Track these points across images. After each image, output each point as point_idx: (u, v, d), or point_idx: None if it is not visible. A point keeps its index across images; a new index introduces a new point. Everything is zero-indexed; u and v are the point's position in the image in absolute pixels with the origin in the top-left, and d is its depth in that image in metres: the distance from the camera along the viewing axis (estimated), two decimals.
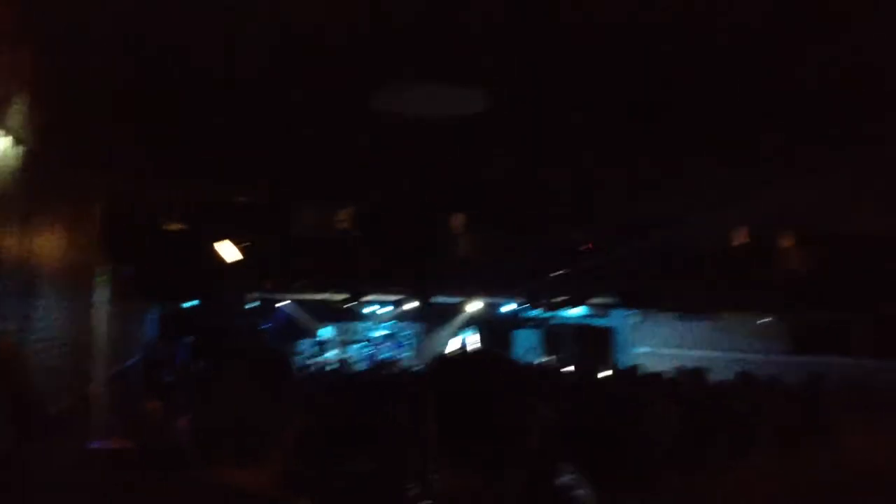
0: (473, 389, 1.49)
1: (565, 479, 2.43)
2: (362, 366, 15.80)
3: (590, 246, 8.78)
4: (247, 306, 15.60)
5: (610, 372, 13.48)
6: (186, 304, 14.97)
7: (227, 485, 1.65)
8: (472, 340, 19.14)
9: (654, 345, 17.05)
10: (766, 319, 14.54)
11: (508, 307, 17.61)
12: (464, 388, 1.50)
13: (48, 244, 4.26)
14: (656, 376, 12.20)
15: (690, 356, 15.24)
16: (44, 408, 4.18)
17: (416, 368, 13.34)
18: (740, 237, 7.72)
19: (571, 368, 14.03)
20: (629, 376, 12.47)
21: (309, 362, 16.42)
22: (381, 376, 11.12)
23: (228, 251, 8.32)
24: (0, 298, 3.06)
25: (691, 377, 11.47)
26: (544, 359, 17.42)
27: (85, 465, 5.33)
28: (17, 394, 2.74)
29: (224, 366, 1.84)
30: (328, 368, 14.50)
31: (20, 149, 3.08)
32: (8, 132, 2.69)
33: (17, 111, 2.66)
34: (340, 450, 3.64)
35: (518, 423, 1.48)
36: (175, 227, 6.72)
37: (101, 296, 6.70)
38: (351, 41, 3.46)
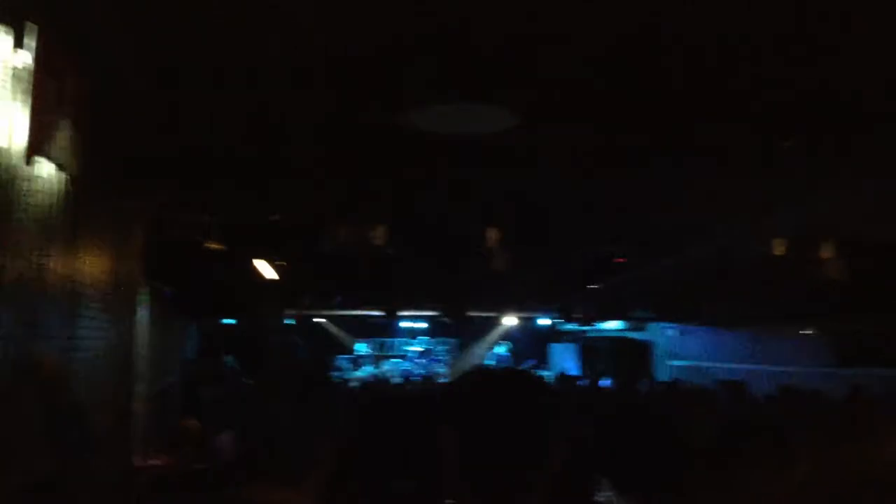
0: (495, 408, 1.46)
1: (599, 498, 2.42)
2: (397, 381, 15.81)
3: (621, 259, 8.72)
4: (284, 323, 15.75)
5: (648, 385, 13.33)
6: (226, 322, 15.18)
7: (251, 501, 1.68)
8: (507, 355, 19.06)
9: (692, 358, 16.83)
10: (807, 331, 14.29)
11: (544, 321, 17.54)
12: (485, 407, 1.47)
13: (91, 265, 4.35)
14: (695, 389, 12.05)
15: (729, 369, 15.03)
16: (86, 426, 4.26)
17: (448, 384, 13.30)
18: (780, 248, 7.61)
19: (608, 382, 13.89)
20: (667, 390, 12.33)
21: (345, 378, 16.47)
22: (416, 392, 11.10)
23: (265, 270, 8.43)
24: (46, 318, 3.14)
25: (730, 390, 11.31)
26: (580, 373, 17.28)
27: (126, 483, 5.42)
28: (60, 413, 2.80)
29: (266, 385, 1.87)
30: (364, 384, 14.52)
31: (63, 175, 3.18)
32: (52, 159, 2.78)
33: (61, 138, 2.75)
34: (380, 468, 3.64)
35: (543, 445, 1.45)
36: (214, 246, 6.82)
37: (143, 315, 6.82)
38: (383, 60, 3.50)
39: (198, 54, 3.34)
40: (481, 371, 1.73)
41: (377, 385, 13.87)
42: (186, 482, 4.72)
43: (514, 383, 1.54)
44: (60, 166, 2.95)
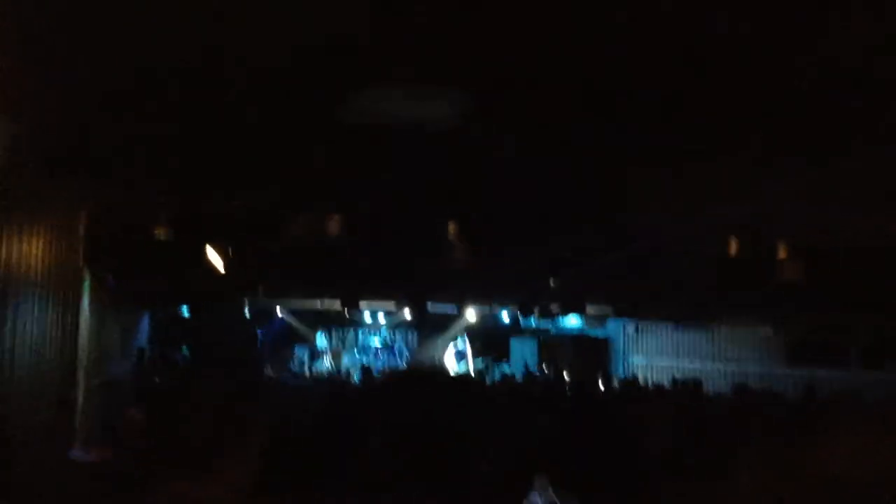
0: (420, 410, 1.42)
1: (536, 496, 2.35)
2: (356, 374, 15.70)
3: (581, 254, 8.71)
4: (242, 314, 15.54)
5: (604, 382, 13.41)
6: (181, 312, 14.93)
7: (188, 496, 1.59)
8: (466, 349, 19.03)
9: (650, 355, 16.96)
10: (763, 330, 14.45)
11: (504, 315, 17.52)
12: (411, 409, 1.43)
13: (28, 252, 4.19)
14: (651, 387, 12.13)
15: (686, 367, 15.16)
16: (21, 418, 4.10)
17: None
18: (736, 246, 7.65)
19: (565, 378, 13.94)
20: (623, 388, 12.39)
21: (303, 370, 16.33)
22: (365, 387, 11.00)
23: (218, 258, 8.25)
24: None
25: (687, 388, 11.40)
26: (536, 369, 17.35)
27: (63, 476, 5.25)
28: None
29: (190, 378, 1.77)
30: (320, 376, 14.39)
31: None
32: None
33: None
34: (314, 462, 3.59)
35: (469, 443, 1.41)
36: (163, 233, 6.64)
37: (87, 303, 6.63)
38: (341, 48, 3.41)
39: (140, 38, 3.20)
40: (406, 372, 1.68)
41: (332, 378, 13.75)
42: (122, 474, 4.58)
43: (437, 383, 1.49)
44: None
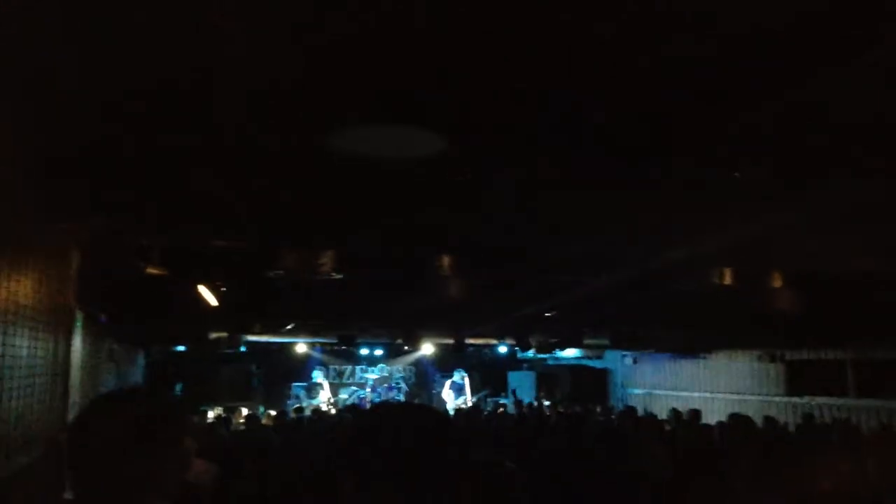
0: (393, 446, 1.42)
1: None
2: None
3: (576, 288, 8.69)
4: (238, 351, 15.48)
5: (601, 412, 13.33)
6: (178, 349, 14.87)
7: None
8: (463, 382, 18.96)
9: (648, 386, 16.90)
10: (761, 359, 14.41)
11: (502, 348, 17.48)
12: (383, 446, 1.43)
13: (17, 291, 4.16)
14: (649, 417, 12.03)
15: (685, 397, 15.09)
16: (11, 459, 4.04)
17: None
18: (734, 278, 7.63)
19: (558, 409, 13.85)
20: (621, 418, 12.30)
21: (298, 405, 16.21)
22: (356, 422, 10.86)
23: (209, 296, 8.21)
24: None
25: (685, 418, 11.32)
26: (535, 400, 17.24)
27: None
28: None
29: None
30: (312, 413, 14.26)
31: None
32: None
33: None
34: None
35: (446, 478, 1.41)
36: (156, 271, 6.59)
37: (79, 342, 6.58)
38: (326, 88, 3.40)
39: (136, 74, 3.19)
40: (381, 407, 1.70)
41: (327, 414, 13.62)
42: None
43: (410, 419, 1.50)
44: None
